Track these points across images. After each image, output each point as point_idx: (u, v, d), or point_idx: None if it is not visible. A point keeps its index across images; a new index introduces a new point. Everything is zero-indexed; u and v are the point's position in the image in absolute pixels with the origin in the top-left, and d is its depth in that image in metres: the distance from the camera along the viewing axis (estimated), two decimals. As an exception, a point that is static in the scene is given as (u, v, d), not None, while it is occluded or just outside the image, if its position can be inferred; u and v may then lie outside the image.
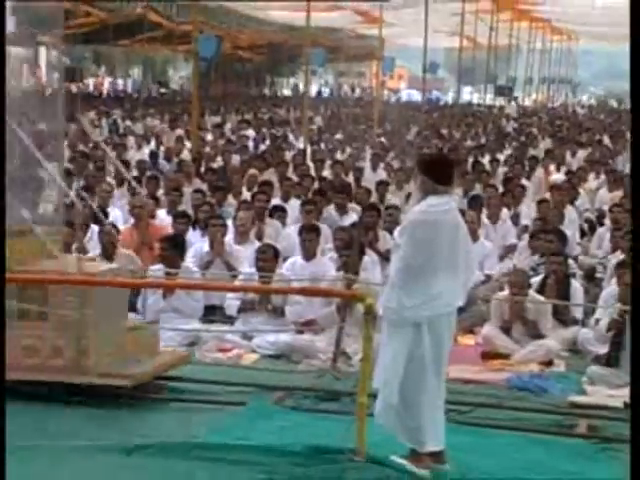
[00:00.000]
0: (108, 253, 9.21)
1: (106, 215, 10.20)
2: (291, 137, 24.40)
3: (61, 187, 7.66)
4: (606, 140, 24.44)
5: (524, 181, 14.94)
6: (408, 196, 12.65)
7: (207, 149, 19.31)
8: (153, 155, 17.83)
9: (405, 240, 5.54)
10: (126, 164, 14.85)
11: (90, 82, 49.19)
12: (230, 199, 12.41)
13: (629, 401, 3.05)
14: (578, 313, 8.82)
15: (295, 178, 14.23)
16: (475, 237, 9.65)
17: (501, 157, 18.94)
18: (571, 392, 7.26)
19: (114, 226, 9.86)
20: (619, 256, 9.57)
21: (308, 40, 23.04)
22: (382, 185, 13.90)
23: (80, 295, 6.48)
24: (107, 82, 51.62)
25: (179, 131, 22.39)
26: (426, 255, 5.47)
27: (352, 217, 11.50)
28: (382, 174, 16.13)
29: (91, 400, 6.45)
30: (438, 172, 5.61)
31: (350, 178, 15.15)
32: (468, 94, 47.39)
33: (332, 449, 5.68)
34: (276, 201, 12.29)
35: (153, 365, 6.89)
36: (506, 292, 8.60)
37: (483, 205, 11.92)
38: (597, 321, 8.42)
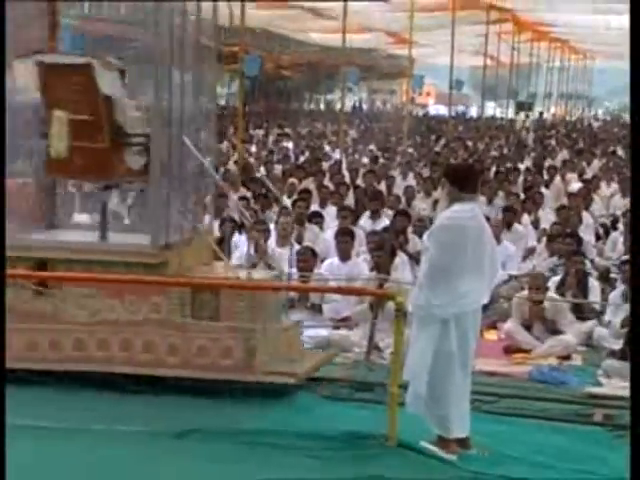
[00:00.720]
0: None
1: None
2: (328, 149, 24.38)
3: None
4: (620, 151, 24.23)
5: (542, 189, 14.85)
6: (435, 202, 12.62)
7: (251, 160, 19.33)
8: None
9: (433, 243, 5.53)
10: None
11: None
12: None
13: (630, 394, 2.97)
14: (595, 308, 8.77)
15: (331, 186, 14.22)
16: (498, 240, 9.60)
17: (522, 167, 18.83)
18: (588, 384, 7.22)
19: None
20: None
21: (344, 60, 23.01)
22: (409, 189, 13.92)
23: (248, 299, 6.46)
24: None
25: (226, 143, 22.44)
26: (452, 257, 5.45)
27: (384, 221, 11.47)
28: (412, 182, 16.09)
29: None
30: (463, 181, 5.60)
31: (382, 186, 15.12)
32: (491, 109, 47.14)
33: (366, 435, 5.67)
34: (314, 207, 12.28)
35: (309, 364, 6.85)
36: (526, 292, 8.56)
37: (516, 214, 11.77)
38: (609, 322, 8.37)
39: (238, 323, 6.41)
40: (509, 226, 11.20)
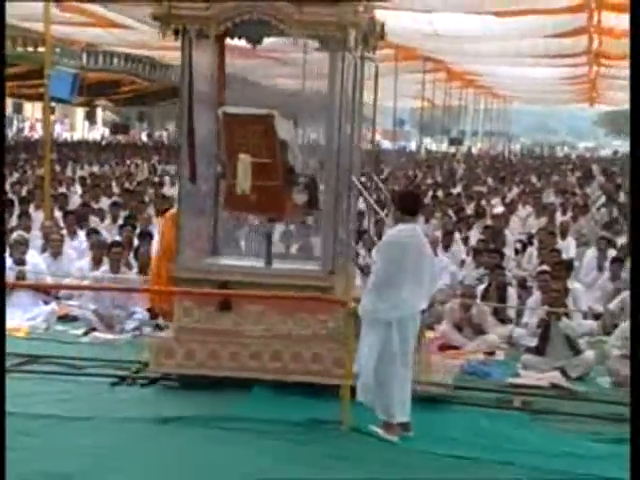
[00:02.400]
0: (144, 267, 9.23)
1: (152, 236, 10.18)
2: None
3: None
4: (533, 179, 24.50)
5: (471, 211, 14.93)
6: (376, 222, 12.60)
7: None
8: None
9: (380, 257, 5.55)
10: (163, 198, 14.81)
11: (135, 134, 49.01)
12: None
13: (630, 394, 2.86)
14: (512, 314, 8.82)
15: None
16: (435, 254, 9.62)
17: (454, 192, 18.92)
18: (508, 375, 7.23)
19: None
20: (544, 268, 9.57)
21: (304, 102, 22.98)
22: (360, 214, 13.91)
23: None
24: (146, 134, 51.38)
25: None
26: (396, 269, 5.47)
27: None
28: (362, 206, 16.05)
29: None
30: (405, 205, 5.65)
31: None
32: (428, 144, 47.46)
33: (323, 420, 5.66)
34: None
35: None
36: (457, 300, 8.61)
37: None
38: (526, 324, 8.42)
39: None
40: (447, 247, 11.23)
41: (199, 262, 6.62)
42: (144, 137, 49.35)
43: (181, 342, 6.40)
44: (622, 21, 14.01)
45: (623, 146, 66.22)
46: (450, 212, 14.46)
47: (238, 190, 6.35)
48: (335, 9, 6.06)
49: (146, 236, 10.11)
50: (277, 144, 6.39)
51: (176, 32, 6.29)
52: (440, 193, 18.34)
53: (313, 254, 6.96)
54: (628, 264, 10.02)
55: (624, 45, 15.92)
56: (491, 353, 8.01)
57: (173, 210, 7.11)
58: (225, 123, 6.48)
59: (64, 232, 10.85)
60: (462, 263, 11.03)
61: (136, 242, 10.09)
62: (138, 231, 10.56)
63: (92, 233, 10.54)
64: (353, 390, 5.56)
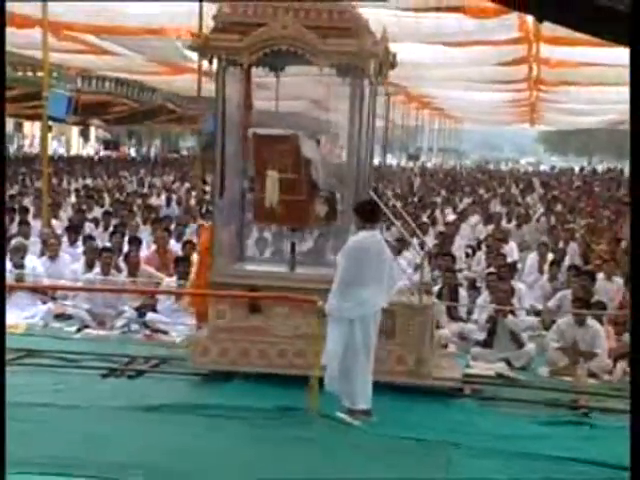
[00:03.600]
0: (132, 270, 9.15)
1: (140, 242, 10.14)
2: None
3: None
4: (482, 191, 24.70)
5: (426, 219, 14.98)
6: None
7: (207, 197, 19.09)
8: (168, 201, 17.66)
9: (343, 260, 5.55)
10: (150, 207, 14.70)
11: (125, 150, 48.60)
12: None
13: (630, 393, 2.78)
14: (462, 313, 8.85)
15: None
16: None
17: (411, 202, 18.96)
18: (460, 366, 7.23)
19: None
20: (491, 270, 9.63)
21: (277, 121, 22.97)
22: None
23: (420, 317, 6.24)
24: (134, 150, 50.97)
25: (187, 184, 22.19)
26: (358, 271, 5.48)
27: (309, 244, 11.41)
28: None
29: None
30: (366, 214, 5.65)
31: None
32: (389, 159, 47.79)
33: (294, 407, 5.63)
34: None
35: (458, 369, 6.63)
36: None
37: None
38: (476, 320, 8.46)
39: (410, 338, 6.18)
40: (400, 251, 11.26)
41: (230, 268, 6.56)
42: (133, 153, 49.00)
43: (215, 341, 6.36)
44: (557, 53, 14.20)
45: (559, 161, 67.12)
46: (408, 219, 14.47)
47: (267, 203, 6.37)
48: (355, 40, 6.06)
49: (134, 242, 10.04)
50: (302, 161, 6.40)
51: (210, 61, 6.25)
52: (399, 203, 18.37)
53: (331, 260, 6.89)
54: (564, 266, 10.15)
55: (559, 74, 16.17)
56: (445, 346, 8.03)
57: (209, 223, 7.11)
58: (255, 143, 6.49)
59: (65, 239, 10.80)
60: (419, 266, 11.04)
61: (125, 247, 10.03)
62: (127, 237, 10.50)
63: (87, 239, 10.48)
64: (322, 380, 5.54)
